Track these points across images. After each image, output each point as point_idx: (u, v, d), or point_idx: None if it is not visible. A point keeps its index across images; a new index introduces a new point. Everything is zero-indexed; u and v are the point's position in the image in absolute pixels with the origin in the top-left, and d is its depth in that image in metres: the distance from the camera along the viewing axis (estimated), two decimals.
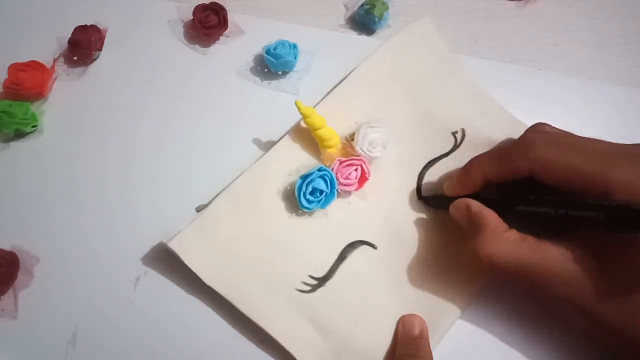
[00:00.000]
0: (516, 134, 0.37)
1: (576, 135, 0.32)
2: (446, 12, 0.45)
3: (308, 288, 0.35)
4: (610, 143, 0.30)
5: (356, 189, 0.36)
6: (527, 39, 0.44)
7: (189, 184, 0.38)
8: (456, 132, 0.39)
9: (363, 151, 0.36)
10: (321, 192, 0.35)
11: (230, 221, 0.35)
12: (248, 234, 0.35)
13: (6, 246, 0.36)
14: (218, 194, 0.36)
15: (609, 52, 0.43)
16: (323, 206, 0.36)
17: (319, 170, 0.35)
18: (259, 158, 0.38)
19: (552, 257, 0.29)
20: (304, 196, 0.35)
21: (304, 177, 0.35)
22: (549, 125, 0.33)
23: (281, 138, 0.38)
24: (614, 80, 0.43)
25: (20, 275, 0.36)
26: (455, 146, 0.39)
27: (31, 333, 0.35)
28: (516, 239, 0.30)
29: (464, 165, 0.35)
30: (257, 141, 0.40)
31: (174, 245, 0.34)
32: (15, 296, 0.35)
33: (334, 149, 0.37)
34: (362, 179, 0.36)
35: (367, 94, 0.39)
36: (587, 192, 0.28)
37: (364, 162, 0.36)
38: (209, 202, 0.36)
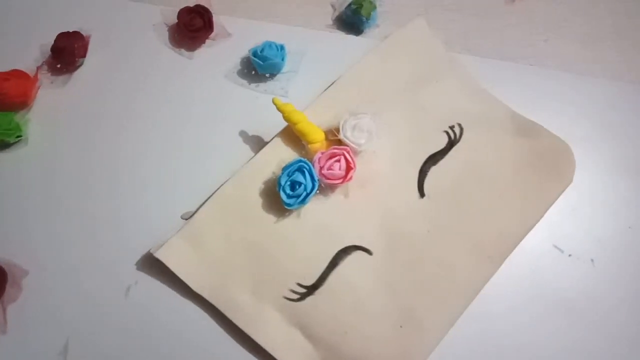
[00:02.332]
0: (518, 129, 0.37)
1: None
2: (436, 10, 0.44)
3: (296, 296, 0.34)
4: None
5: (342, 182, 0.35)
6: (518, 35, 0.43)
7: (178, 190, 0.38)
8: (453, 126, 0.38)
9: (347, 138, 0.35)
10: (300, 184, 0.34)
11: (218, 228, 0.35)
12: (235, 240, 0.35)
13: None
14: (205, 201, 0.36)
15: (601, 48, 0.43)
16: (304, 201, 0.34)
17: (297, 162, 0.34)
18: (246, 163, 0.37)
19: None
20: (284, 191, 0.34)
21: (284, 169, 0.34)
22: None
23: (268, 143, 0.38)
24: (606, 75, 0.42)
25: (9, 289, 0.35)
26: (455, 140, 0.38)
27: (21, 347, 0.34)
28: None
29: None
30: (246, 145, 0.39)
31: (161, 255, 0.34)
32: (4, 310, 0.35)
33: (319, 144, 0.36)
34: (348, 170, 0.35)
35: (355, 97, 0.39)
36: None
37: (346, 151, 0.35)
38: (196, 210, 0.36)
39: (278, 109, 0.36)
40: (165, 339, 0.35)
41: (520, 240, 0.36)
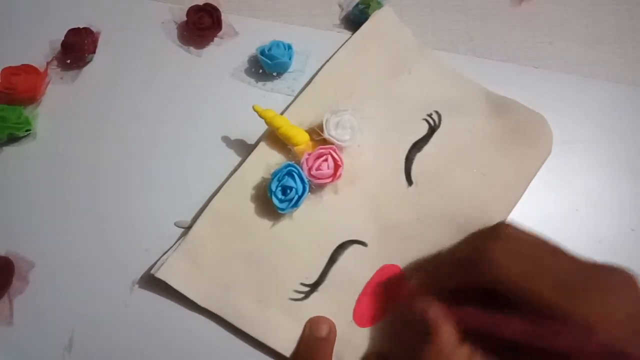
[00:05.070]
0: (493, 107, 0.38)
1: (541, 245, 0.29)
2: (441, 10, 0.44)
3: (301, 296, 0.35)
4: (576, 262, 0.29)
5: (332, 181, 0.35)
6: (523, 37, 0.44)
7: (185, 187, 0.38)
8: (431, 114, 0.38)
9: (332, 137, 0.35)
10: (291, 188, 0.34)
11: (215, 241, 0.35)
12: (234, 250, 0.35)
13: (0, 251, 0.36)
14: (199, 215, 0.36)
15: (605, 50, 0.43)
16: (297, 204, 0.34)
17: (286, 167, 0.34)
18: (233, 171, 0.37)
19: None
20: (276, 196, 0.34)
21: (274, 174, 0.35)
22: (512, 227, 0.30)
23: (253, 148, 0.38)
24: (610, 77, 0.42)
25: (15, 281, 0.35)
26: (436, 127, 0.38)
27: (27, 339, 0.35)
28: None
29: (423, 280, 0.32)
30: (252, 142, 0.39)
31: (162, 275, 0.34)
32: (11, 302, 0.35)
33: (304, 146, 0.36)
34: (337, 168, 0.35)
35: (333, 94, 0.39)
36: (550, 319, 0.26)
37: (333, 150, 0.35)
38: (191, 222, 0.36)
39: (259, 115, 0.36)
40: (171, 334, 0.35)
41: (505, 218, 0.36)
